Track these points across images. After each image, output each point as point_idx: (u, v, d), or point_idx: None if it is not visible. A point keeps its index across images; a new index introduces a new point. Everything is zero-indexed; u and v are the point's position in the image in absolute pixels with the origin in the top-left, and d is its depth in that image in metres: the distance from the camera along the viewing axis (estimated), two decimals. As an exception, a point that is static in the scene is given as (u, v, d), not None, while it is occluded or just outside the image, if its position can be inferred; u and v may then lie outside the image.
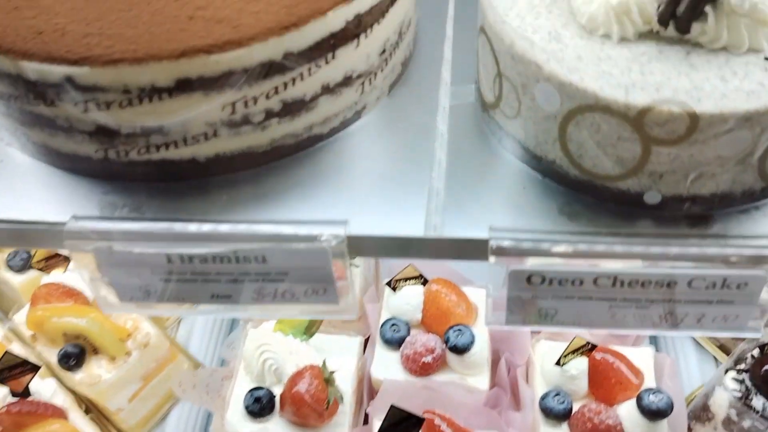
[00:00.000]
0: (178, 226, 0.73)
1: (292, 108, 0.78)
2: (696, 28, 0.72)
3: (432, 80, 0.92)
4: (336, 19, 0.75)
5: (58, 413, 1.37)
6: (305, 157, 0.82)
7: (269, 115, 0.77)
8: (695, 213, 0.75)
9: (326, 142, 0.84)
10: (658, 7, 0.73)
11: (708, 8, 0.71)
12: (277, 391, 1.30)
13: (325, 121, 0.82)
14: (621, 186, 0.74)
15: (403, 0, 0.86)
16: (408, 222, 0.74)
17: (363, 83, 0.83)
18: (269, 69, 0.73)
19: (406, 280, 1.40)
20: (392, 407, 1.16)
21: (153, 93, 0.71)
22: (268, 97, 0.75)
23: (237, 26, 0.71)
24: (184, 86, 0.71)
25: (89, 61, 0.68)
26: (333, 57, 0.77)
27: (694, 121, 0.67)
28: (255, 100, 0.75)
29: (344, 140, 0.85)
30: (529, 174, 0.80)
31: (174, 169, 0.77)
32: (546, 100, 0.73)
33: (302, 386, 1.25)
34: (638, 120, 0.68)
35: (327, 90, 0.79)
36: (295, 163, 0.82)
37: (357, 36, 0.79)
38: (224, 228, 0.73)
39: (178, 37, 0.70)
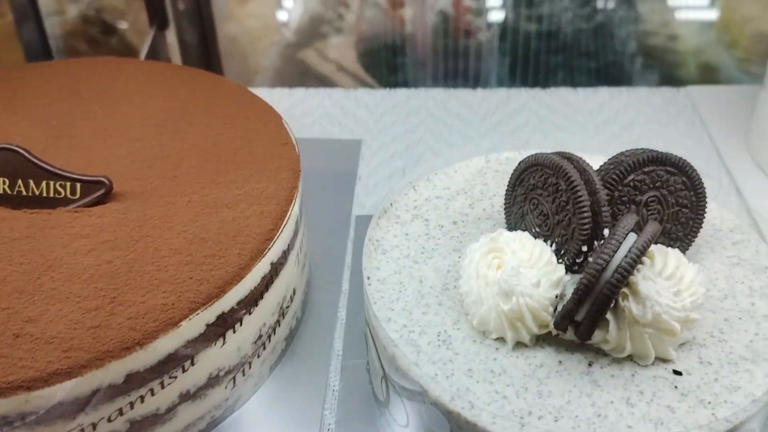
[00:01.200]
0: None
1: (144, 425, 0.66)
2: (598, 335, 0.64)
3: (321, 353, 0.82)
4: (193, 328, 0.65)
5: None
6: (164, 470, 0.70)
7: (114, 437, 0.65)
8: None
9: (191, 449, 0.72)
10: (554, 310, 0.65)
11: (609, 316, 0.64)
12: None
13: (187, 428, 0.70)
14: None
15: (283, 276, 0.77)
16: None
17: (234, 377, 0.73)
18: (110, 393, 0.62)
19: None
20: None
21: (-40, 434, 0.59)
22: (110, 420, 0.64)
23: (69, 349, 0.60)
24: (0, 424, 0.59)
25: None
26: (192, 363, 0.67)
27: (598, 464, 0.58)
28: (94, 426, 0.63)
29: (213, 442, 0.73)
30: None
31: None
32: (435, 424, 0.63)
33: None
34: (537, 459, 0.59)
35: (187, 397, 0.68)
36: (151, 481, 0.69)
37: (222, 335, 0.69)
38: None
39: (-6, 367, 0.59)
